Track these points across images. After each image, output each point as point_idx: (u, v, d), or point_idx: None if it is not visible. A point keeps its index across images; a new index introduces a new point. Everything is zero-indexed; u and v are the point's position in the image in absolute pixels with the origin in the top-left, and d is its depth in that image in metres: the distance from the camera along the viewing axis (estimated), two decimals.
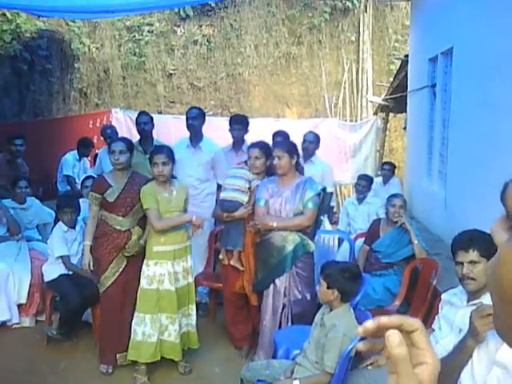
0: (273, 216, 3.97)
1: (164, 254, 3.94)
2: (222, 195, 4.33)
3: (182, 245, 4.03)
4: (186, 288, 4.08)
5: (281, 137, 5.23)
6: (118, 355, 4.11)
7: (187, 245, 4.09)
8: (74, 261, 4.66)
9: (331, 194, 5.72)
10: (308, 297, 3.94)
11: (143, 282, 3.95)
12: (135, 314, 3.95)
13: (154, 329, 3.91)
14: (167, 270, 3.93)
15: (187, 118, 5.20)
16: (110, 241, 4.07)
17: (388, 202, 4.78)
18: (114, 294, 4.08)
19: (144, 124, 5.41)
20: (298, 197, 3.92)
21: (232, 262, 4.24)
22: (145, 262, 3.98)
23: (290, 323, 3.96)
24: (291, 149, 4.01)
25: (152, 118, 5.54)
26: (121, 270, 4.08)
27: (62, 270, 4.67)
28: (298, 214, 3.92)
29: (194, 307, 4.15)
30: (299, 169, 4.19)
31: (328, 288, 2.91)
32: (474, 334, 1.98)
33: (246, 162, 4.33)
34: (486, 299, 2.46)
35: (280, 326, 3.97)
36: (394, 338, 0.64)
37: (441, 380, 2.11)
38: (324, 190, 4.08)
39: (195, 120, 5.16)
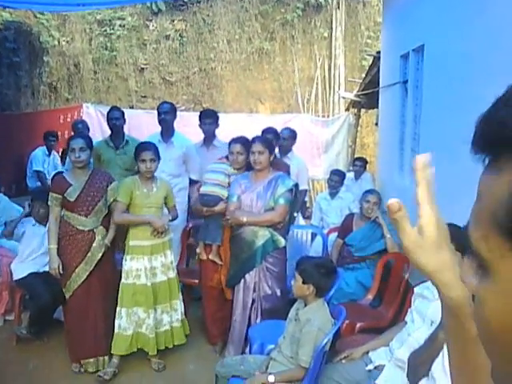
0: (244, 211, 3.98)
1: (140, 249, 3.96)
2: (202, 189, 4.32)
3: (160, 240, 4.03)
4: (165, 284, 4.06)
5: (271, 134, 5.21)
6: (82, 361, 4.06)
7: (165, 240, 4.09)
8: (45, 260, 4.55)
9: (306, 190, 5.74)
10: (278, 292, 3.96)
11: (123, 276, 3.98)
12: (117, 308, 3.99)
13: (129, 322, 3.93)
14: (143, 266, 3.95)
15: (159, 113, 5.17)
16: (74, 243, 4.01)
17: (363, 198, 4.82)
18: (80, 299, 4.03)
19: (115, 119, 5.33)
20: (269, 193, 3.93)
21: (211, 257, 4.24)
22: (124, 256, 4.01)
23: (259, 319, 3.97)
24: (271, 145, 4.05)
25: (123, 114, 5.47)
26: (84, 277, 4.02)
27: (32, 268, 4.57)
28: (269, 210, 3.93)
29: (178, 302, 4.15)
30: (282, 165, 4.22)
31: (303, 283, 2.92)
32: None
33: (226, 157, 4.33)
34: None
35: (250, 322, 3.98)
36: (393, 206, 0.71)
37: (413, 371, 2.14)
38: (296, 186, 4.09)
39: (167, 115, 5.13)
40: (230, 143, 4.32)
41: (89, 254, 4.01)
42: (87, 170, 4.06)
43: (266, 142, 4.03)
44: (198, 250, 4.42)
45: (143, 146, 4.09)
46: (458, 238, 2.47)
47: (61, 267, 4.00)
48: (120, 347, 3.96)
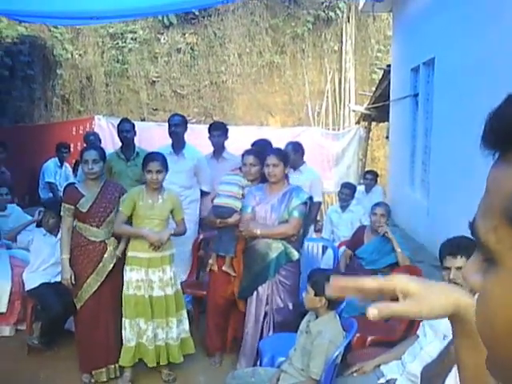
0: (257, 223, 3.96)
1: (138, 261, 3.90)
2: (216, 201, 4.32)
3: (159, 254, 3.93)
4: (161, 300, 3.95)
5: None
6: (93, 372, 4.03)
7: (166, 255, 3.98)
8: (56, 271, 4.57)
9: (320, 203, 5.71)
10: (290, 306, 3.92)
11: (124, 287, 3.93)
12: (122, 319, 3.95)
13: (133, 333, 3.89)
14: (142, 277, 3.90)
15: (170, 125, 5.16)
16: (86, 254, 3.99)
17: (371, 211, 4.81)
18: (91, 310, 4.00)
19: (126, 132, 5.37)
20: (283, 205, 3.91)
21: (224, 268, 4.22)
22: (124, 267, 3.95)
23: (272, 332, 3.94)
24: (286, 158, 4.02)
25: (134, 126, 5.51)
26: (96, 287, 3.99)
27: (43, 278, 4.59)
28: (283, 223, 3.91)
29: (174, 320, 4.00)
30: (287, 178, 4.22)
31: (315, 295, 2.91)
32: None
33: (240, 168, 4.32)
34: None
35: (262, 334, 3.96)
36: (374, 316, 0.75)
37: (426, 383, 2.10)
38: (311, 199, 4.06)
39: (177, 127, 5.12)
40: (243, 155, 4.31)
41: (100, 265, 3.99)
42: (100, 181, 4.04)
43: (280, 154, 4.00)
44: (210, 261, 4.41)
45: (150, 157, 4.03)
46: (472, 251, 2.45)
47: (73, 278, 3.99)
48: (125, 358, 3.93)
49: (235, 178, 4.28)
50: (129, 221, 3.94)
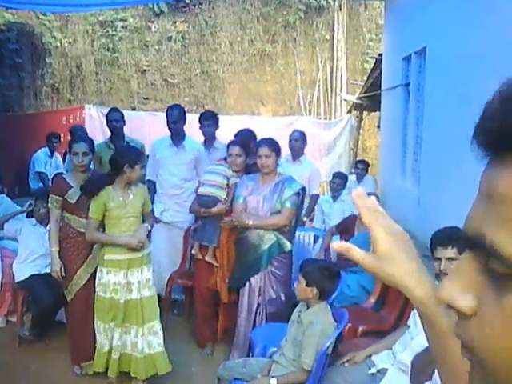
0: (250, 214, 3.94)
1: (117, 263, 3.72)
2: (200, 190, 4.31)
3: (139, 254, 3.77)
4: (137, 303, 3.76)
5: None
6: (82, 364, 4.01)
7: (144, 254, 3.82)
8: (46, 262, 4.54)
9: (317, 196, 5.74)
10: (283, 297, 3.92)
11: (98, 289, 3.76)
12: (95, 322, 3.81)
13: (106, 338, 3.73)
14: (120, 280, 3.72)
15: (168, 120, 4.98)
16: (75, 246, 3.95)
17: None
18: (82, 302, 3.93)
19: (115, 121, 5.32)
20: (276, 196, 3.89)
21: (207, 258, 4.22)
22: (98, 268, 3.80)
23: (264, 323, 3.95)
24: (278, 148, 3.99)
25: (123, 115, 5.47)
26: (86, 279, 3.94)
27: (33, 269, 4.56)
28: (275, 213, 3.88)
29: (156, 324, 3.78)
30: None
31: (307, 285, 2.91)
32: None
33: (225, 158, 4.31)
34: None
35: (254, 326, 3.96)
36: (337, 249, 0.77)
37: (416, 374, 2.13)
38: (303, 189, 4.04)
39: (177, 123, 4.98)
40: (228, 145, 4.31)
41: (90, 257, 3.95)
42: (87, 172, 4.02)
43: (272, 145, 3.97)
44: (193, 251, 4.42)
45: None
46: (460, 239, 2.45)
47: (63, 270, 3.95)
48: (97, 364, 3.78)
49: (220, 168, 4.26)
50: (101, 223, 3.77)
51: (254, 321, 3.95)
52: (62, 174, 5.60)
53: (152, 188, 4.93)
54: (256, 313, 3.95)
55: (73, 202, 3.92)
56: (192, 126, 6.88)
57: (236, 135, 5.00)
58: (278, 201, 3.87)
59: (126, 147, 4.03)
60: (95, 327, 3.78)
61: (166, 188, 5.00)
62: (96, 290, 3.77)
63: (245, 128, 5.12)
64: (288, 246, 3.93)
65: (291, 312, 3.22)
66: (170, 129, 5.02)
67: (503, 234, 0.44)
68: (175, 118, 4.97)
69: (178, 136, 5.03)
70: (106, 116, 5.52)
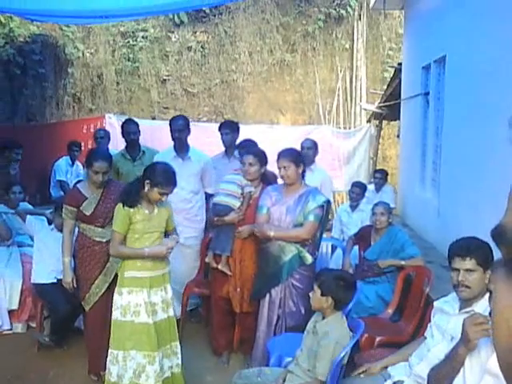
0: (272, 225, 3.88)
1: (138, 281, 3.48)
2: (215, 199, 4.32)
3: (160, 271, 3.60)
4: (166, 323, 3.60)
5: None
6: (102, 373, 3.81)
7: (166, 272, 3.65)
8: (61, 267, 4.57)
9: (329, 202, 5.69)
10: (303, 310, 3.84)
11: (116, 314, 3.50)
12: (109, 351, 3.51)
13: (125, 368, 3.44)
14: (143, 300, 3.46)
15: (173, 130, 4.90)
16: (92, 255, 3.88)
17: (371, 211, 4.81)
18: (100, 312, 3.86)
19: (133, 134, 5.41)
20: (299, 208, 3.83)
21: (220, 267, 4.21)
22: (116, 289, 3.54)
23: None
24: (297, 158, 3.92)
25: (138, 125, 5.53)
26: (104, 290, 3.87)
27: (50, 276, 4.58)
28: (297, 226, 3.82)
29: (177, 344, 3.71)
30: (270, 175, 4.22)
31: (322, 295, 2.90)
32: (466, 341, 1.98)
33: None
34: (478, 307, 2.47)
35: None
36: None
37: None
38: (328, 202, 3.96)
39: (182, 133, 4.88)
40: (242, 154, 4.29)
41: (108, 265, 3.88)
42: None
43: (289, 155, 3.91)
44: (206, 259, 4.42)
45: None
46: (482, 253, 2.42)
47: (74, 281, 3.93)
48: None
49: (235, 178, 4.24)
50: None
51: (274, 333, 3.90)
52: (79, 181, 5.69)
53: None
54: (276, 325, 3.91)
55: (88, 214, 3.86)
56: (211, 135, 6.95)
57: (237, 146, 5.01)
58: (301, 213, 3.81)
59: (164, 166, 3.62)
60: (108, 359, 3.50)
61: (175, 203, 4.72)
62: (113, 314, 3.52)
63: (246, 138, 5.12)
64: (309, 258, 3.85)
65: None
66: (174, 139, 4.91)
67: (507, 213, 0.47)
68: (180, 127, 4.87)
69: (182, 147, 4.92)
70: (122, 127, 5.58)
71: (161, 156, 4.88)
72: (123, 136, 5.49)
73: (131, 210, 3.48)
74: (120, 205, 3.51)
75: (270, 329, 3.91)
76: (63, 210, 3.94)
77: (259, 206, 4.01)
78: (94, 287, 3.90)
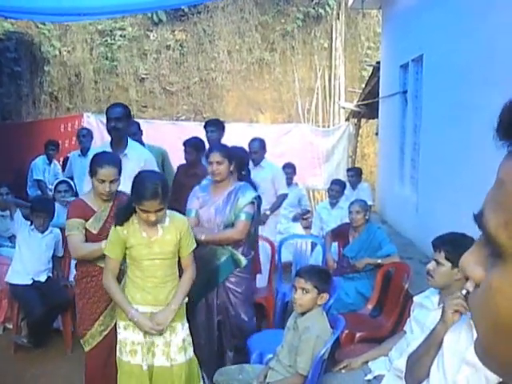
0: (202, 228, 3.61)
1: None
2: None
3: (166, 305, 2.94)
4: (166, 372, 2.92)
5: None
6: None
7: (175, 308, 2.94)
8: (39, 269, 4.51)
9: (286, 195, 5.57)
10: (243, 314, 3.65)
11: (117, 348, 2.99)
12: None
13: None
14: (140, 339, 2.89)
15: (108, 119, 4.08)
16: (98, 286, 3.12)
17: (348, 209, 4.85)
18: (105, 346, 3.19)
19: (116, 120, 4.90)
20: (228, 207, 3.58)
21: None
22: (117, 322, 3.01)
23: (231, 340, 3.71)
24: (230, 154, 3.64)
25: (129, 111, 5.16)
26: (110, 328, 3.17)
27: (26, 278, 4.49)
28: (229, 226, 3.57)
29: None
30: (244, 175, 3.93)
31: (319, 293, 2.87)
32: (443, 314, 2.02)
33: None
34: None
35: (222, 343, 3.71)
36: None
37: (410, 370, 2.11)
38: (259, 198, 3.67)
39: (119, 122, 4.02)
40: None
41: (112, 303, 3.14)
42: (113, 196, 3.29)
43: (225, 151, 3.64)
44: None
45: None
46: (452, 248, 2.45)
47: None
48: None
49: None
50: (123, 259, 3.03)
51: (221, 338, 3.69)
52: (66, 181, 5.63)
53: None
54: (219, 330, 3.69)
55: (95, 232, 3.17)
56: (190, 133, 6.91)
57: (185, 143, 4.94)
58: (231, 212, 3.55)
59: (142, 174, 2.97)
60: None
61: None
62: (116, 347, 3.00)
63: (193, 136, 5.07)
64: (242, 261, 3.62)
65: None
66: (109, 131, 4.08)
67: (492, 217, 0.50)
68: (117, 115, 4.01)
69: (119, 142, 4.06)
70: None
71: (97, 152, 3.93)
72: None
73: (125, 231, 2.86)
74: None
75: (211, 334, 3.66)
76: (66, 226, 3.21)
77: (187, 209, 3.70)
78: (99, 324, 3.19)
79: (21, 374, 4.16)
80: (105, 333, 3.20)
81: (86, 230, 3.17)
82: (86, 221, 3.17)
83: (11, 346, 4.50)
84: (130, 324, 2.89)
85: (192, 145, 5.11)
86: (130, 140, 4.18)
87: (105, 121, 8.17)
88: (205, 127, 5.28)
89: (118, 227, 2.87)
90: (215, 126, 5.22)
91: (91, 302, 3.21)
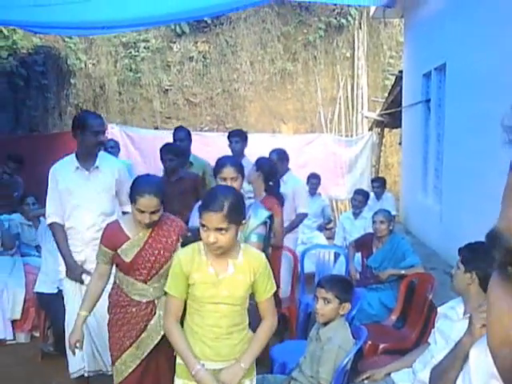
0: None
1: None
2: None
3: (234, 360, 2.36)
4: None
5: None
6: None
7: (245, 367, 2.34)
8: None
9: (305, 215, 5.22)
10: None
11: None
12: None
13: None
14: None
15: (93, 131, 3.62)
16: (125, 319, 2.86)
17: (372, 219, 4.83)
18: (135, 380, 2.89)
19: (180, 141, 5.09)
20: None
21: None
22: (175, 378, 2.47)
23: None
24: (243, 168, 3.39)
25: (189, 133, 5.28)
26: (134, 367, 2.86)
27: (52, 286, 4.57)
28: None
29: None
30: (271, 186, 3.85)
31: (340, 303, 2.87)
32: (470, 327, 1.99)
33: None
34: None
35: None
36: None
37: (435, 383, 2.06)
38: (271, 217, 3.39)
39: (99, 135, 3.67)
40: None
41: (142, 336, 2.86)
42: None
43: (238, 165, 3.40)
44: None
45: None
46: (469, 256, 2.44)
47: (79, 343, 2.89)
48: None
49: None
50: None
51: None
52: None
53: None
54: None
55: (128, 260, 2.83)
56: (212, 144, 6.98)
57: (166, 149, 4.73)
58: (241, 233, 3.18)
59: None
60: None
61: (80, 231, 3.65)
62: None
63: (167, 142, 4.90)
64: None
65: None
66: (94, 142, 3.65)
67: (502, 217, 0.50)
68: (99, 127, 3.67)
69: (90, 153, 3.67)
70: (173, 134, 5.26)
71: (58, 168, 3.83)
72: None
73: (189, 264, 2.30)
74: (179, 253, 2.45)
75: None
76: (98, 250, 2.96)
77: (190, 226, 3.33)
78: (127, 356, 2.89)
79: (47, 382, 4.22)
80: (133, 366, 2.87)
81: (118, 255, 2.85)
82: (116, 249, 2.85)
83: (38, 353, 4.58)
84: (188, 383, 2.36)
85: (172, 151, 4.81)
86: (100, 153, 3.76)
87: (129, 132, 8.26)
88: (228, 138, 5.30)
89: (182, 256, 2.33)
90: (239, 137, 5.25)
91: (117, 336, 2.90)
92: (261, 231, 3.24)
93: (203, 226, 2.24)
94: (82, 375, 3.75)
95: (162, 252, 2.84)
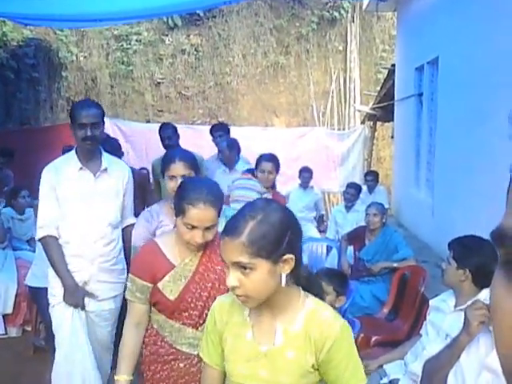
0: None
1: None
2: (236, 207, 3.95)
3: None
4: None
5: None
6: None
7: None
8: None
9: (323, 215, 5.48)
10: None
11: None
12: None
13: None
14: None
15: (82, 124, 2.93)
16: (172, 378, 2.10)
17: (365, 212, 4.85)
18: None
19: (167, 139, 4.72)
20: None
21: None
22: None
23: None
24: (196, 165, 2.89)
25: (176, 129, 4.89)
26: None
27: (44, 281, 4.53)
28: None
29: None
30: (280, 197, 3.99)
31: (338, 296, 2.89)
32: (467, 326, 2.01)
33: (252, 173, 3.96)
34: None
35: None
36: None
37: (428, 378, 2.09)
38: None
39: (97, 128, 3.00)
40: (260, 160, 3.97)
41: None
42: None
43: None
44: None
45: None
46: (460, 250, 2.46)
47: None
48: None
49: (251, 183, 3.78)
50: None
51: None
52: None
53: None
54: None
55: (172, 298, 2.05)
56: (204, 137, 6.94)
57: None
58: None
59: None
60: None
61: (81, 246, 3.05)
62: None
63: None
64: None
65: None
66: (86, 139, 2.97)
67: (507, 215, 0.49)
68: (94, 119, 2.96)
69: (92, 152, 3.08)
70: (159, 133, 4.93)
71: (53, 170, 3.17)
72: (163, 143, 4.78)
73: (224, 317, 1.59)
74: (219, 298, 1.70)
75: None
76: (127, 283, 2.15)
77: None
78: None
79: (39, 376, 4.20)
80: None
81: (159, 291, 2.05)
82: (156, 281, 2.06)
83: (30, 347, 4.56)
84: None
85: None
86: (102, 151, 3.17)
87: (121, 125, 8.19)
88: (211, 132, 5.20)
89: (218, 307, 1.62)
90: (223, 131, 5.20)
91: None
92: None
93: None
94: None
95: (217, 285, 2.06)
